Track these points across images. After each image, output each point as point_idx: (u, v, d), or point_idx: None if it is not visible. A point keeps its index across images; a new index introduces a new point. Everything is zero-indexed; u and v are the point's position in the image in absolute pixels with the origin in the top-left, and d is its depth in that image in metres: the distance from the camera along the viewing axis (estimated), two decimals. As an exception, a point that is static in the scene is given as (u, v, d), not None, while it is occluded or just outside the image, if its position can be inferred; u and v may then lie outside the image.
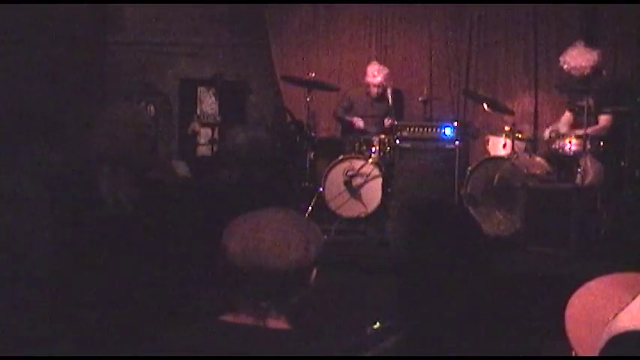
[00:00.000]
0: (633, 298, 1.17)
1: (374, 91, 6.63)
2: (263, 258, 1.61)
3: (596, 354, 1.18)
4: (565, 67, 5.63)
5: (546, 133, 5.79)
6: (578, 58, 5.54)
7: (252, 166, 3.38)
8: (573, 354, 1.32)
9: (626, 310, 1.16)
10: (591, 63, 5.53)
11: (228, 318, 1.64)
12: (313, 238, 1.69)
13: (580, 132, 5.34)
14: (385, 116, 6.61)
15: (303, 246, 1.65)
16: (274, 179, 3.84)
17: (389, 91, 6.63)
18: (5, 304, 2.14)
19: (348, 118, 6.73)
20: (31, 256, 2.18)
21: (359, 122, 6.59)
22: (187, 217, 3.01)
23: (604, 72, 5.74)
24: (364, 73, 6.72)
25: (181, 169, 5.88)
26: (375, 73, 6.60)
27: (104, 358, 2.44)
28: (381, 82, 6.59)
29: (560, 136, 5.57)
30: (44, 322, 2.39)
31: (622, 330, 1.13)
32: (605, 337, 1.15)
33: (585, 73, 5.52)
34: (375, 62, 6.76)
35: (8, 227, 2.14)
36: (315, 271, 1.70)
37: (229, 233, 1.68)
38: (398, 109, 6.93)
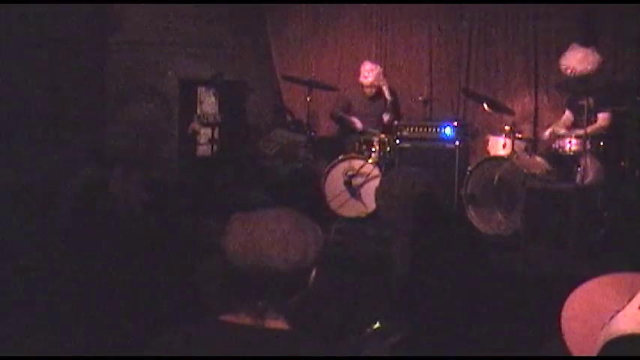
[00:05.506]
0: (630, 300, 1.16)
1: (367, 90, 6.62)
2: (262, 258, 1.59)
3: (592, 355, 1.18)
4: (565, 69, 5.58)
5: (546, 134, 5.79)
6: (578, 62, 5.51)
7: None
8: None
9: (623, 312, 1.14)
10: (592, 65, 5.52)
11: (228, 318, 1.64)
12: (313, 238, 1.66)
13: (580, 131, 5.33)
14: (382, 114, 6.60)
15: (302, 247, 1.62)
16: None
17: (384, 88, 6.62)
18: (8, 303, 2.14)
19: (347, 117, 6.71)
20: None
21: (358, 124, 6.57)
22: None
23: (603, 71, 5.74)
24: (358, 73, 6.71)
25: None
26: (366, 74, 6.59)
27: (105, 357, 2.45)
28: (372, 82, 6.57)
29: (560, 136, 5.56)
30: (47, 321, 2.39)
31: (619, 333, 1.12)
32: (602, 339, 1.14)
33: (586, 74, 5.50)
34: (367, 62, 6.73)
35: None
36: (314, 272, 1.68)
37: (228, 232, 1.66)
38: (398, 108, 6.92)
